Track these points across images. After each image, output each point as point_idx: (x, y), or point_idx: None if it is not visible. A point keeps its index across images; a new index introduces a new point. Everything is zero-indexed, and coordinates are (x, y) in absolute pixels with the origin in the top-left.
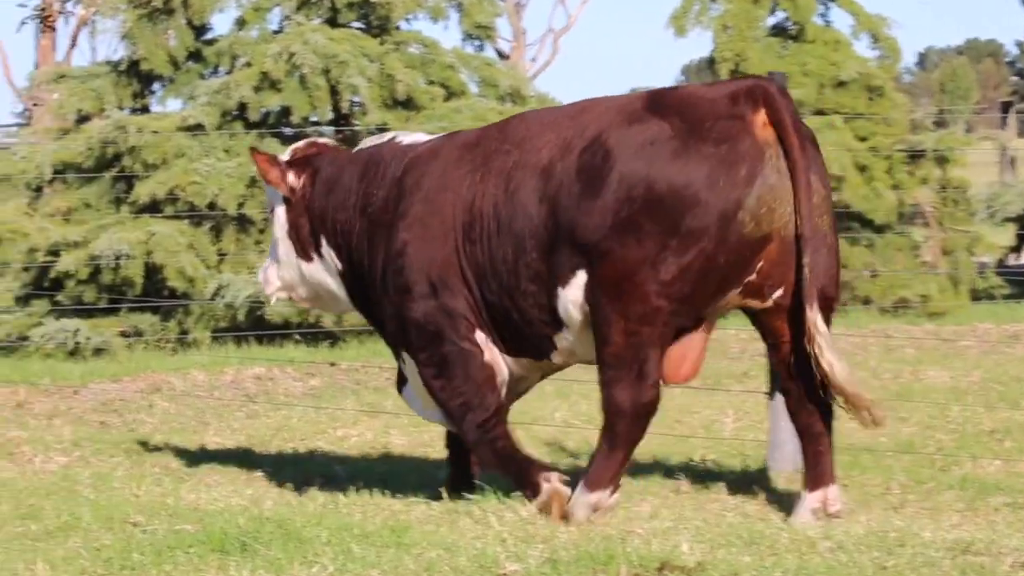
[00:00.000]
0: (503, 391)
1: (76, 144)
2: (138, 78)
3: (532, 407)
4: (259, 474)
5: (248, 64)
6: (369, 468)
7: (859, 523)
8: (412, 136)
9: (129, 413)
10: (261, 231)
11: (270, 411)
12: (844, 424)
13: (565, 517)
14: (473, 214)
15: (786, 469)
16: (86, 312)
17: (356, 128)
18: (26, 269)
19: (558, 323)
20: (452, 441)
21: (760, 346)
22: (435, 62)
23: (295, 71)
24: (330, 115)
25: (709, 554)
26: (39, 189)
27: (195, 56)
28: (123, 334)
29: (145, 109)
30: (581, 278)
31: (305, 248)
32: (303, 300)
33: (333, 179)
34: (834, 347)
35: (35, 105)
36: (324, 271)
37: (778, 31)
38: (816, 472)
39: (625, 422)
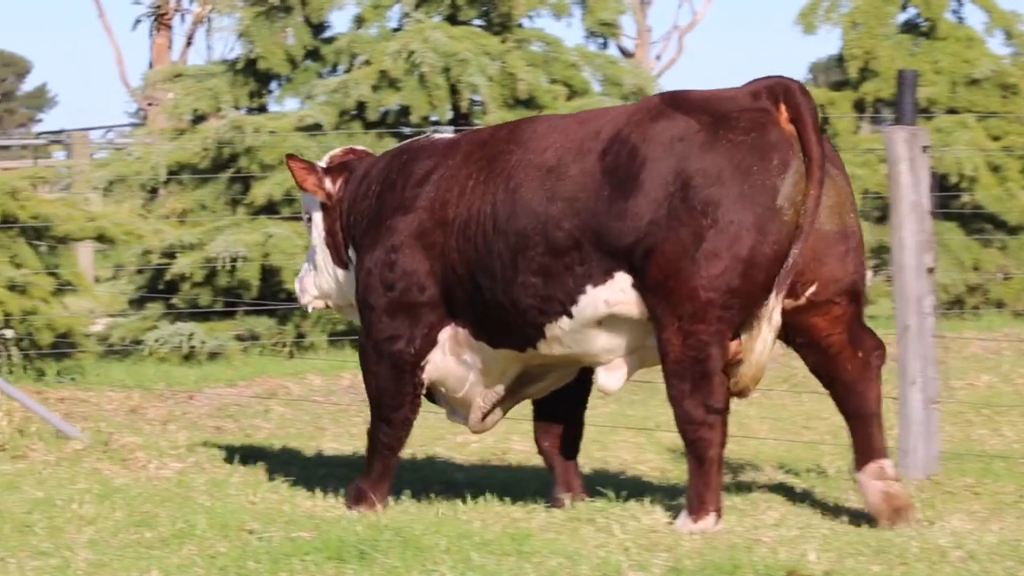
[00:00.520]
0: (416, 409)
1: (192, 144)
2: (255, 77)
3: (655, 412)
4: None
5: (367, 62)
6: (489, 474)
7: (991, 532)
8: (449, 136)
9: (245, 418)
10: None
11: None
12: (976, 431)
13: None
14: (471, 213)
15: (916, 476)
16: (201, 315)
17: (476, 128)
18: (140, 272)
19: (559, 313)
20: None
21: (890, 350)
22: (557, 60)
23: (414, 70)
24: (449, 114)
25: (837, 563)
26: (154, 190)
27: (313, 54)
28: (239, 338)
29: (262, 109)
30: (621, 280)
31: (340, 255)
32: (339, 308)
33: (363, 177)
34: (768, 346)
35: (150, 105)
36: (352, 276)
37: (909, 28)
38: (869, 449)
39: (703, 430)
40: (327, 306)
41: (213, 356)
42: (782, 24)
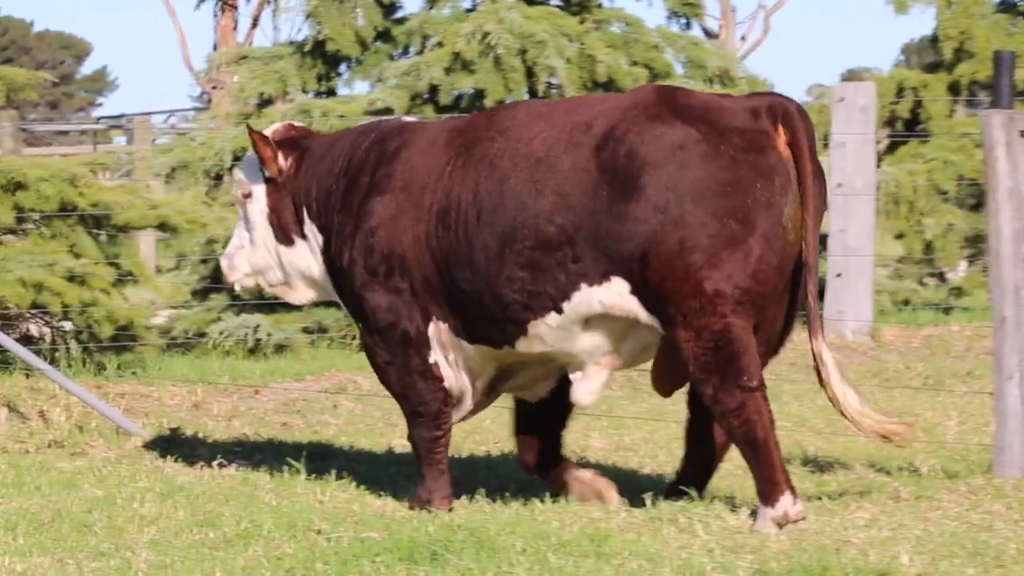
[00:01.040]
0: (448, 394)
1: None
2: (323, 59)
3: None
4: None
5: (439, 44)
6: None
7: None
8: (420, 120)
9: (312, 414)
10: None
11: None
12: None
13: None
14: (450, 200)
15: (1014, 475)
16: (267, 307)
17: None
18: (204, 261)
19: (547, 309)
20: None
21: (986, 343)
22: (638, 42)
23: (489, 51)
24: (525, 97)
25: (930, 566)
26: (218, 177)
27: (383, 36)
28: (306, 330)
29: (331, 92)
30: (619, 283)
31: (286, 231)
32: (273, 286)
33: (323, 154)
34: (842, 376)
35: (214, 88)
36: (307, 254)
37: (1007, 7)
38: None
39: (744, 414)
40: (257, 284)
41: (279, 349)
42: (873, 3)
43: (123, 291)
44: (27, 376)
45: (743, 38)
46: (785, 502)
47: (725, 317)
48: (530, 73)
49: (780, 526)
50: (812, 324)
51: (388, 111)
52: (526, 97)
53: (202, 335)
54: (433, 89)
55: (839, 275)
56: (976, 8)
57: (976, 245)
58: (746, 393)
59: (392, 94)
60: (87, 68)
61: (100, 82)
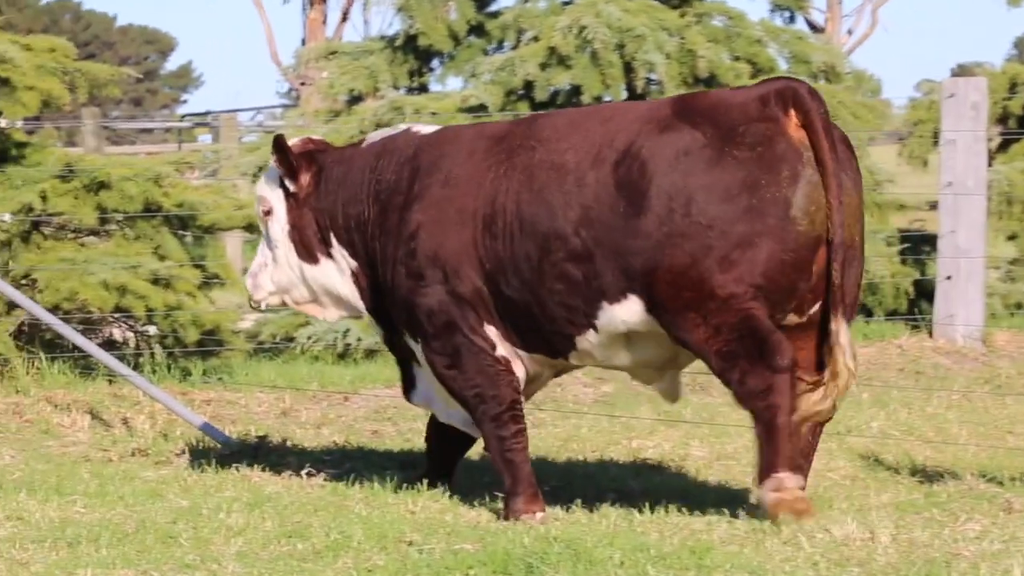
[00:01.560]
0: (520, 385)
1: (348, 127)
2: (415, 54)
3: (845, 416)
4: (545, 489)
5: (535, 39)
6: (666, 483)
7: None
8: (429, 128)
9: (404, 422)
10: None
11: (558, 420)
12: None
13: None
14: (496, 208)
15: None
16: None
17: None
18: None
19: (587, 326)
20: (433, 433)
21: None
22: (741, 36)
23: (586, 46)
24: (624, 94)
25: None
26: None
27: (477, 30)
28: None
29: (422, 88)
30: (635, 303)
31: (310, 249)
32: (300, 304)
33: (342, 176)
34: (854, 362)
35: (303, 84)
36: (334, 273)
37: None
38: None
39: (770, 396)
40: (283, 302)
41: (370, 355)
42: None
43: (209, 294)
44: (110, 382)
45: (849, 32)
46: (779, 478)
47: (742, 311)
48: (628, 68)
49: (776, 491)
50: (834, 302)
51: (482, 108)
52: (624, 94)
53: (290, 340)
54: (528, 85)
55: (949, 277)
56: None
57: None
58: (776, 374)
59: (486, 90)
60: (171, 64)
61: (185, 78)
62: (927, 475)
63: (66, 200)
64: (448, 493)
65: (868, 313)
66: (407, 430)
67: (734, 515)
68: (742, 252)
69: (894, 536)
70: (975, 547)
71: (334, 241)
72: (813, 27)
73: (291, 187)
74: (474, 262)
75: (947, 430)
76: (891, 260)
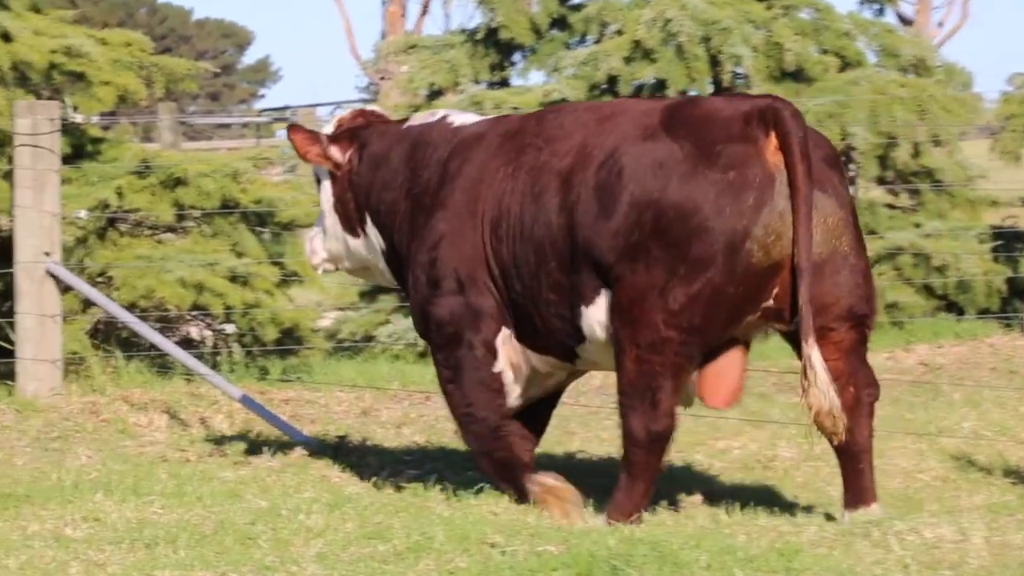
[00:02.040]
0: (514, 395)
1: None
2: (496, 48)
3: (937, 416)
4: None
5: (619, 32)
6: (753, 484)
7: None
8: (463, 117)
9: None
10: None
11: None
12: None
13: (567, 514)
14: (501, 210)
15: None
16: None
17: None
18: None
19: (579, 337)
20: None
21: None
22: (829, 29)
23: (671, 39)
24: (709, 88)
25: None
26: None
27: (560, 23)
28: None
29: (504, 83)
30: (604, 299)
31: (351, 223)
32: (351, 271)
33: (380, 156)
34: (828, 384)
35: (382, 79)
36: (369, 248)
37: None
38: (858, 489)
39: (640, 451)
40: (337, 268)
41: None
42: None
43: (287, 292)
44: (188, 381)
45: (940, 24)
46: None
47: (667, 354)
48: (714, 62)
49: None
50: (803, 327)
51: (564, 103)
52: (710, 88)
53: (370, 338)
54: (612, 79)
55: None
56: None
57: None
58: (652, 440)
59: (569, 85)
60: (249, 58)
61: (262, 73)
62: (1021, 476)
63: (142, 197)
64: None
65: (960, 312)
66: None
67: (827, 517)
68: (689, 284)
69: (987, 538)
70: None
71: (368, 220)
72: (903, 20)
73: (326, 167)
74: (485, 265)
75: None
76: (983, 258)
